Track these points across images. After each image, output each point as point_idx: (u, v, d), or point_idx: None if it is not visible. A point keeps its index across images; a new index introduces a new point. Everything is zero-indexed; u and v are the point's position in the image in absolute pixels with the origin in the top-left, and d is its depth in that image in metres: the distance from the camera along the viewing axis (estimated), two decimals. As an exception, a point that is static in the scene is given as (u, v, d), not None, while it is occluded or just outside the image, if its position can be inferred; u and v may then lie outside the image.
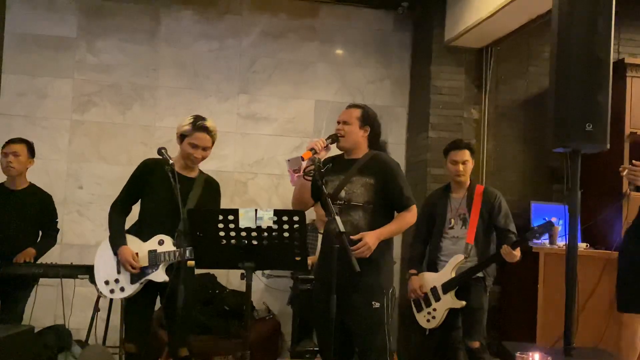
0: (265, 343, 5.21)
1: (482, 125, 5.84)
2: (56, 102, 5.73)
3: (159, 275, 3.61)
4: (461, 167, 4.38)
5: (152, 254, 3.64)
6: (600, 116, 3.03)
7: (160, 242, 3.64)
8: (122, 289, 3.67)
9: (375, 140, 3.66)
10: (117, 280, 3.69)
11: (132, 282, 3.66)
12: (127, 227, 3.82)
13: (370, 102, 5.90)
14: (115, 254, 3.69)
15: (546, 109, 3.19)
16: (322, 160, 3.45)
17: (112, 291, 3.70)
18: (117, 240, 3.70)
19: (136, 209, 3.85)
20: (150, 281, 3.65)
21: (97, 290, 3.84)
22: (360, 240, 3.34)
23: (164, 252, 3.61)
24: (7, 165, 4.42)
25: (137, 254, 3.65)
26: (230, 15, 6.03)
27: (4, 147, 4.48)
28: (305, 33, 6.15)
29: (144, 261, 3.65)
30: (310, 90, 6.14)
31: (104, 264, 3.75)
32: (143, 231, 3.73)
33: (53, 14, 5.75)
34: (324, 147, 3.40)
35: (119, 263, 3.68)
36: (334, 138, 3.52)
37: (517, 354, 1.95)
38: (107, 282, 3.71)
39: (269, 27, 6.09)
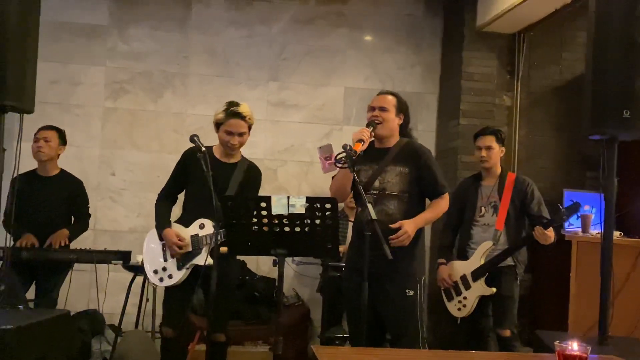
0: (295, 329, 5.24)
1: (514, 112, 5.78)
2: (89, 90, 5.80)
3: (203, 259, 3.65)
4: (484, 152, 4.36)
5: (195, 238, 3.70)
6: (638, 103, 2.97)
7: (201, 226, 3.70)
8: (170, 276, 3.73)
9: (404, 128, 3.65)
10: (164, 269, 3.75)
11: (179, 268, 3.71)
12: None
13: (401, 88, 5.88)
14: (161, 239, 3.76)
15: (582, 95, 3.14)
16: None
17: (161, 279, 3.76)
18: (161, 226, 3.76)
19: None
20: (193, 267, 3.70)
21: (148, 280, 3.93)
22: (399, 229, 3.33)
23: (206, 235, 3.66)
24: (38, 150, 4.48)
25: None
26: (260, 2, 6.03)
27: (36, 133, 4.53)
28: (335, 19, 6.12)
29: (187, 246, 3.70)
30: (340, 77, 6.12)
31: (151, 254, 3.82)
32: (186, 218, 3.78)
33: (85, 2, 5.81)
34: (369, 136, 3.37)
35: (164, 251, 3.75)
36: (374, 125, 3.46)
37: (556, 343, 1.93)
38: (155, 272, 3.77)
39: (298, 13, 6.07)
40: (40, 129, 4.53)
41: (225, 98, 5.43)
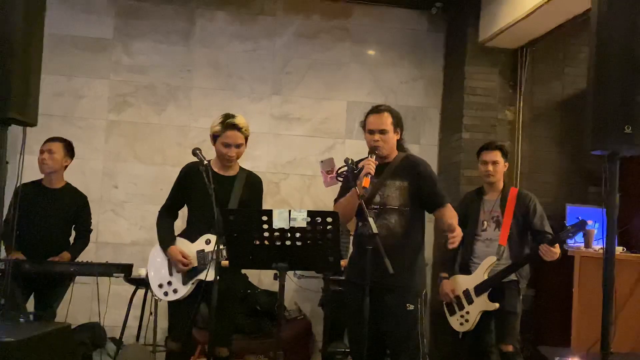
0: (297, 343, 5.22)
1: (516, 127, 5.78)
2: (93, 103, 5.81)
3: (209, 274, 3.60)
4: (490, 167, 4.36)
5: (200, 253, 3.68)
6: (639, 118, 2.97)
7: (207, 242, 3.68)
8: (175, 291, 3.71)
9: (399, 140, 3.64)
10: (169, 283, 3.73)
11: (184, 283, 3.70)
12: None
13: (403, 102, 5.91)
14: (166, 255, 3.75)
15: (584, 110, 3.14)
16: (355, 162, 3.44)
17: (166, 294, 3.74)
18: (165, 242, 3.75)
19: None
20: (198, 282, 3.68)
21: (152, 294, 3.89)
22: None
23: (212, 251, 3.63)
24: (42, 162, 4.47)
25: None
26: (264, 16, 6.06)
27: (42, 144, 4.52)
28: (339, 34, 6.15)
29: (193, 261, 3.68)
30: (343, 91, 6.14)
31: (156, 268, 3.80)
32: (191, 233, 3.77)
33: (90, 16, 5.84)
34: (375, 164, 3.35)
35: (170, 266, 3.74)
36: (376, 152, 3.43)
37: (558, 359, 1.92)
38: (160, 286, 3.76)
39: (302, 28, 6.11)
40: (46, 141, 4.52)
41: (229, 111, 5.46)
